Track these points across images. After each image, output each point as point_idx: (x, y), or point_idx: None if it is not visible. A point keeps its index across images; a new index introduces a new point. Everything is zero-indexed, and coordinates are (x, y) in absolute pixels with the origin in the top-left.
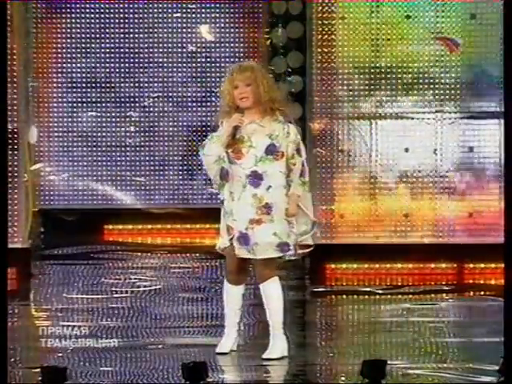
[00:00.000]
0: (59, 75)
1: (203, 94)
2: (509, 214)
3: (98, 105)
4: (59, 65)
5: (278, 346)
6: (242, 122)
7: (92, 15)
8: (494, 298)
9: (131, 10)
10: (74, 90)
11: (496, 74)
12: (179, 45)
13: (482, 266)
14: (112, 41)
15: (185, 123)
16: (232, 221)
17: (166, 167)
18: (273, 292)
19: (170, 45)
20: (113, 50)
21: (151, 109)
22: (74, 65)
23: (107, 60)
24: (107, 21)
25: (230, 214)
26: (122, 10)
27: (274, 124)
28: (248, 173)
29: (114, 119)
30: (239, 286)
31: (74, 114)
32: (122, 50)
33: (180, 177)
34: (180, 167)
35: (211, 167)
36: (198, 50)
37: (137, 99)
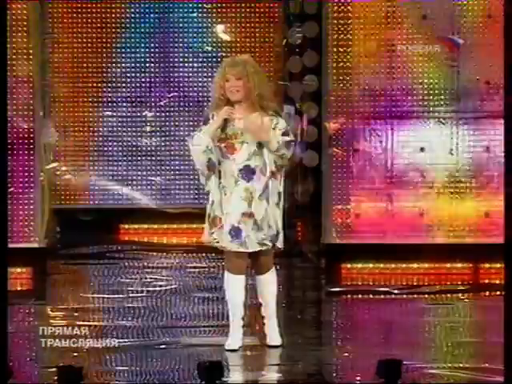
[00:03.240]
0: (75, 75)
1: None
2: (509, 214)
3: (114, 104)
4: (75, 64)
5: (277, 332)
6: (232, 114)
7: (108, 15)
8: None
9: (147, 10)
10: (90, 89)
11: None
12: (195, 44)
13: (498, 265)
14: (128, 40)
15: (200, 123)
16: (223, 214)
17: (182, 167)
18: (273, 283)
19: (186, 44)
20: (129, 50)
21: (167, 109)
22: (90, 64)
23: (123, 60)
24: (123, 21)
25: (219, 206)
26: (138, 10)
27: (263, 119)
28: (240, 167)
29: (129, 119)
30: (241, 275)
31: (90, 114)
32: (138, 50)
33: (196, 176)
34: (196, 167)
35: (199, 157)
36: (214, 49)
37: (153, 99)
